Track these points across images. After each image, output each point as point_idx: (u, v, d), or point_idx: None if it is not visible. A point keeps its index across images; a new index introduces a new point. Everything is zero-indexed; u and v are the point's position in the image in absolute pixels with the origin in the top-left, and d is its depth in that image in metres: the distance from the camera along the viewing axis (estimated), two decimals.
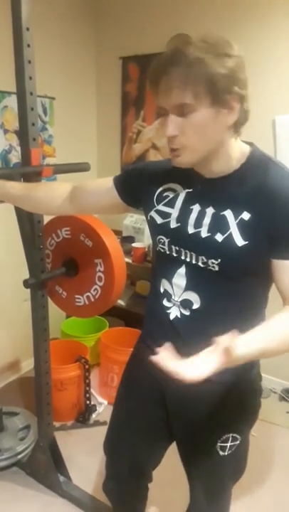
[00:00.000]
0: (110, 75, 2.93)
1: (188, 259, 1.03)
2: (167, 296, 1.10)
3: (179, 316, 1.07)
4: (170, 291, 1.08)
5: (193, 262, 1.02)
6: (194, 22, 2.43)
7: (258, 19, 2.25)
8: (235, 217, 0.95)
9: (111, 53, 2.89)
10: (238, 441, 1.12)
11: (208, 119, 0.89)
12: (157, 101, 0.93)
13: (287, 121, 2.23)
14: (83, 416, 2.44)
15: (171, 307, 1.09)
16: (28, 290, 1.71)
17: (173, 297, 1.08)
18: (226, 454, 1.11)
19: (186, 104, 0.88)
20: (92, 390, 2.51)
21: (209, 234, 0.98)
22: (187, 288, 1.05)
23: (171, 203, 1.06)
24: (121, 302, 2.88)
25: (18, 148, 2.04)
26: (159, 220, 1.08)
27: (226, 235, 0.96)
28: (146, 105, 2.82)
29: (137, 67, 2.79)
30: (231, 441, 1.11)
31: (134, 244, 2.70)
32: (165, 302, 1.10)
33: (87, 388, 2.43)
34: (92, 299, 1.69)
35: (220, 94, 0.87)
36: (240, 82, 0.88)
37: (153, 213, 1.10)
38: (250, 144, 1.02)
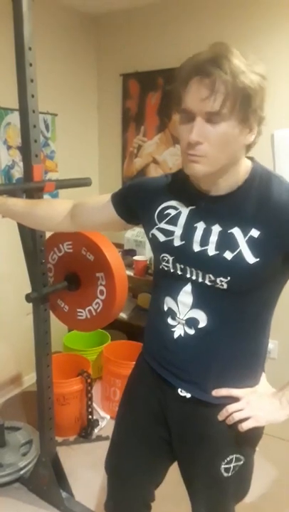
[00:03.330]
0: (111, 91, 2.98)
1: (194, 277, 1.01)
2: (172, 314, 1.07)
3: (182, 335, 1.05)
4: (175, 309, 1.06)
5: (200, 280, 1.00)
6: (194, 39, 2.48)
7: (254, 35, 2.30)
8: (244, 235, 0.94)
9: (112, 70, 2.94)
10: (242, 462, 1.10)
11: (233, 134, 0.89)
12: (184, 102, 0.89)
13: (286, 136, 2.26)
14: (86, 431, 2.43)
15: (175, 326, 1.06)
16: (31, 304, 1.72)
17: (178, 315, 1.05)
18: (230, 474, 1.09)
19: (221, 113, 0.85)
20: (94, 405, 2.50)
21: (217, 252, 0.96)
22: (194, 306, 1.02)
23: (173, 221, 1.04)
24: (123, 315, 2.88)
25: (21, 164, 2.07)
26: (161, 238, 1.06)
27: (235, 253, 0.94)
28: (146, 121, 2.86)
29: (137, 84, 2.84)
30: (235, 462, 1.09)
31: (135, 258, 2.70)
32: (169, 320, 1.07)
33: (90, 402, 2.42)
34: (94, 313, 1.70)
35: (249, 113, 0.88)
36: (263, 105, 0.89)
37: (155, 231, 1.08)
38: (251, 158, 1.01)
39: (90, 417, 2.44)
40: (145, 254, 2.77)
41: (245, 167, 0.98)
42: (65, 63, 2.78)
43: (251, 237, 0.93)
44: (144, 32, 2.74)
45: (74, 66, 2.86)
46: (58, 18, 2.68)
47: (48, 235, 1.68)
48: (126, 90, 2.91)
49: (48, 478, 1.93)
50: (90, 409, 2.43)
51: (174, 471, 1.26)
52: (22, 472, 2.03)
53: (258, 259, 0.93)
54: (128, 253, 2.82)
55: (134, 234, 2.87)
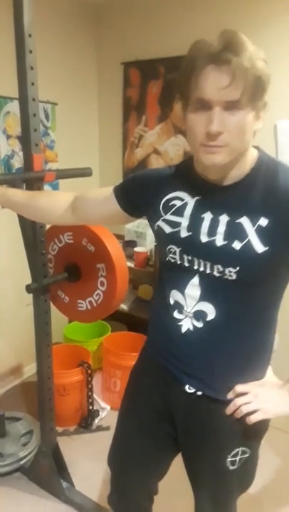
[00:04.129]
0: (112, 80, 2.95)
1: (201, 269, 1.00)
2: (178, 307, 1.06)
3: (191, 328, 1.04)
4: (182, 302, 1.05)
5: (208, 271, 0.99)
6: (195, 28, 2.44)
7: (258, 26, 2.27)
8: (253, 224, 0.93)
9: (112, 59, 2.90)
10: (248, 455, 1.10)
11: (249, 121, 0.88)
12: (199, 91, 0.86)
13: (288, 126, 2.23)
14: (86, 421, 2.44)
15: (182, 319, 1.05)
16: (31, 295, 1.71)
17: (185, 308, 1.04)
18: (236, 467, 1.09)
19: (239, 101, 0.84)
20: (94, 395, 2.51)
21: (226, 242, 0.95)
22: (201, 298, 1.01)
23: (179, 212, 1.03)
24: (123, 306, 2.87)
25: (21, 154, 2.05)
26: (167, 230, 1.05)
27: (244, 243, 0.93)
28: (147, 110, 2.83)
29: (138, 73, 2.80)
30: (241, 455, 1.09)
31: (136, 249, 2.69)
32: (176, 314, 1.07)
33: (90, 393, 2.43)
34: (95, 304, 1.69)
35: (259, 98, 0.87)
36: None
37: (161, 223, 1.07)
38: (257, 147, 1.00)
39: (91, 407, 2.45)
40: (146, 246, 2.76)
41: (251, 156, 0.97)
42: (65, 52, 2.74)
43: (260, 226, 0.93)
44: (145, 20, 2.70)
45: (74, 54, 2.82)
46: (59, 6, 2.63)
47: (48, 225, 1.67)
48: (127, 79, 2.88)
49: (49, 468, 1.94)
50: (90, 400, 2.43)
51: (176, 464, 1.26)
52: (22, 462, 2.05)
53: (266, 248, 0.92)
54: (129, 244, 2.81)
55: (135, 225, 2.86)
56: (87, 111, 3.03)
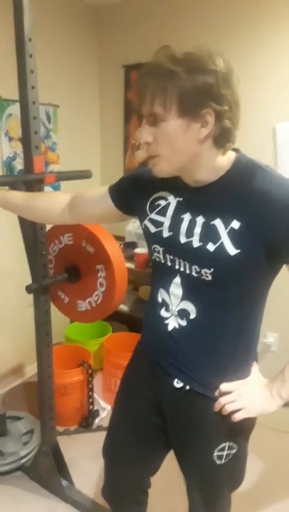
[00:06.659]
0: (113, 82, 2.97)
1: (182, 269, 1.03)
2: (165, 305, 1.09)
3: (177, 326, 1.07)
4: (168, 300, 1.08)
5: (187, 271, 1.02)
6: (195, 31, 2.46)
7: (255, 27, 2.28)
8: (226, 227, 0.94)
9: (114, 61, 2.93)
10: (235, 450, 1.12)
11: (177, 131, 0.91)
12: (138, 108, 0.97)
13: (288, 129, 2.25)
14: (86, 421, 2.45)
15: (168, 317, 1.09)
16: (32, 296, 1.73)
17: (170, 307, 1.08)
18: (223, 462, 1.11)
19: (156, 114, 0.90)
20: (95, 395, 2.52)
21: (201, 243, 0.97)
22: (183, 298, 1.05)
23: (163, 212, 1.06)
24: (124, 307, 2.89)
25: (23, 156, 2.07)
26: (152, 229, 1.08)
27: (217, 245, 0.95)
28: None
29: None
30: (228, 450, 1.11)
31: (136, 250, 2.71)
32: (163, 312, 1.10)
33: (90, 393, 2.44)
34: (94, 305, 1.71)
35: (189, 108, 0.88)
36: (219, 98, 0.87)
37: (147, 222, 1.10)
38: (236, 150, 1.00)
39: (91, 407, 2.46)
40: (146, 247, 2.77)
41: (227, 159, 0.97)
42: (67, 54, 2.77)
43: (232, 228, 0.93)
44: (146, 23, 2.72)
45: (76, 57, 2.85)
46: (61, 9, 2.66)
47: (48, 226, 1.69)
48: (128, 81, 2.90)
49: (49, 467, 1.96)
50: (90, 400, 2.45)
51: (172, 462, 1.28)
52: (23, 461, 2.06)
53: (238, 251, 0.93)
54: (129, 246, 2.83)
55: (136, 227, 2.87)
56: (88, 113, 3.05)
